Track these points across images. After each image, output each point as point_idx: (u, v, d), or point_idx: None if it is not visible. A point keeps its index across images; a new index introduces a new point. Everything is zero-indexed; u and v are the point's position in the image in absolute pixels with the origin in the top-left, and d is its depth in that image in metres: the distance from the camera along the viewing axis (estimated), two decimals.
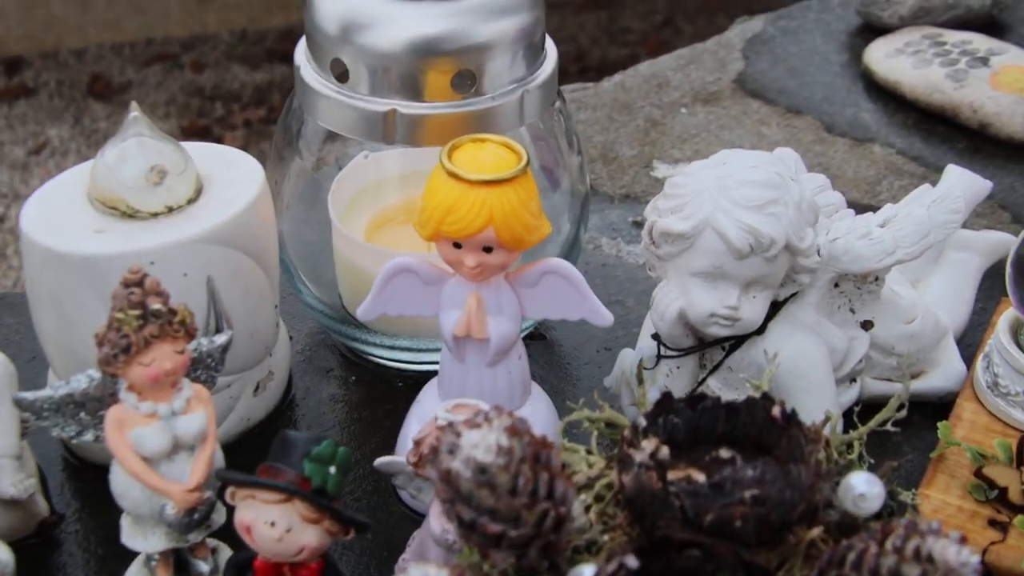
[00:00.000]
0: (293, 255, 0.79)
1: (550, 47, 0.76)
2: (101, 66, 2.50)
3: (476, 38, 0.70)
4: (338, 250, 0.78)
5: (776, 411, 0.54)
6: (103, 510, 0.66)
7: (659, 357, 0.73)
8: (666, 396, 0.55)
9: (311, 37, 0.73)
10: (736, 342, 0.72)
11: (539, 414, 0.70)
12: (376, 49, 0.70)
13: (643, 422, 0.54)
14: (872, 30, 1.16)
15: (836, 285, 0.74)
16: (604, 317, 0.67)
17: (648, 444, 0.52)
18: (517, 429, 0.48)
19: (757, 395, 0.55)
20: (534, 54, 0.74)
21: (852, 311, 0.75)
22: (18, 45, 2.52)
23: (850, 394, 0.76)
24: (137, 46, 2.56)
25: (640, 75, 1.11)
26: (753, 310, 0.70)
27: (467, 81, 0.71)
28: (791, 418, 0.54)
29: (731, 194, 0.67)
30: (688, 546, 0.48)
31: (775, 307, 0.72)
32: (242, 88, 2.42)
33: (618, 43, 2.75)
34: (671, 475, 0.51)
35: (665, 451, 0.51)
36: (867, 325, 0.76)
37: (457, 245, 0.64)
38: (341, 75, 0.72)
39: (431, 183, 0.64)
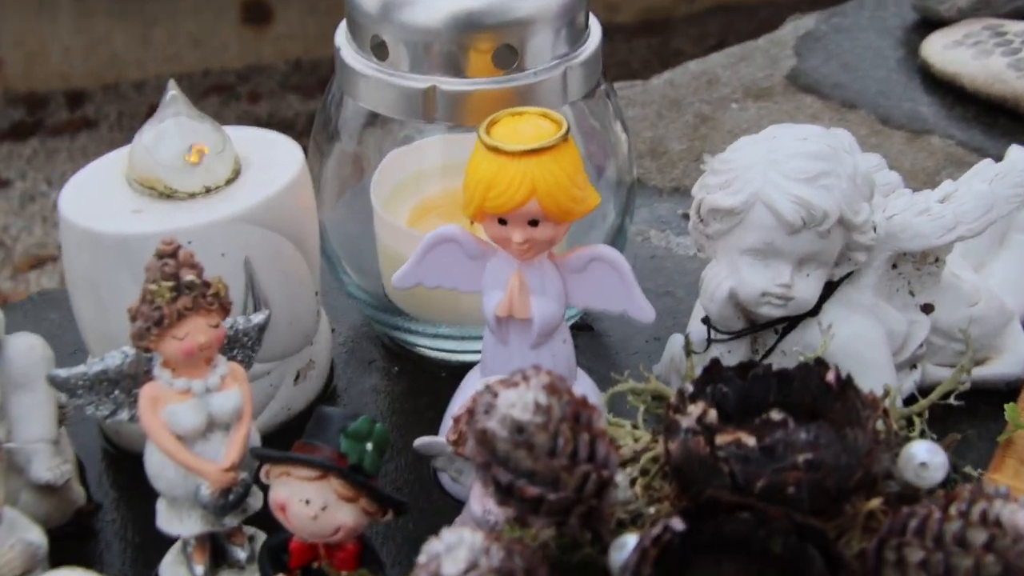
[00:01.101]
0: (336, 245, 0.78)
1: (594, 25, 0.74)
2: (160, 98, 2.53)
3: (517, 12, 0.69)
4: (380, 238, 0.76)
5: (831, 376, 0.51)
6: (141, 499, 0.65)
7: (709, 341, 0.70)
8: (714, 363, 0.53)
9: (350, 17, 0.72)
10: (790, 324, 0.69)
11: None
12: (416, 25, 0.69)
13: (690, 388, 0.51)
14: (929, 24, 1.13)
15: (894, 266, 0.71)
16: (646, 312, 0.64)
17: (695, 408, 0.49)
18: (556, 387, 0.46)
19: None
20: (577, 31, 0.72)
21: (912, 293, 0.72)
22: (81, 80, 2.55)
23: (910, 380, 0.73)
24: (195, 77, 2.59)
25: (689, 72, 1.09)
26: (807, 288, 0.67)
27: (509, 57, 0.69)
28: (847, 383, 0.51)
29: (781, 167, 0.65)
30: (738, 509, 0.45)
31: (830, 288, 0.69)
32: (296, 117, 2.44)
33: (671, 67, 2.74)
34: (719, 440, 0.48)
35: (713, 415, 0.49)
36: (927, 308, 0.73)
37: (503, 222, 0.62)
38: (381, 53, 0.70)
39: (472, 160, 0.62)
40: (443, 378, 0.77)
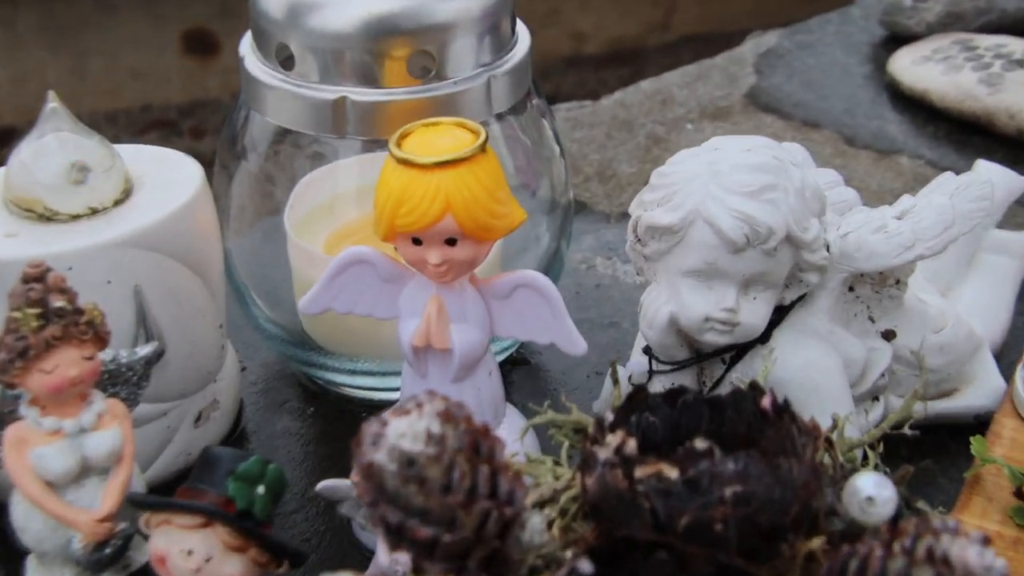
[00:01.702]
0: (245, 274, 0.75)
1: (522, 32, 0.73)
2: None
3: (435, 16, 0.67)
4: (294, 266, 0.74)
5: (766, 402, 0.49)
6: (8, 556, 0.61)
7: (651, 373, 0.68)
8: (639, 390, 0.50)
9: (255, 24, 0.70)
10: (738, 353, 0.67)
11: (514, 438, 0.64)
12: (325, 31, 0.67)
13: (610, 416, 0.49)
14: (897, 40, 1.12)
15: (851, 289, 0.69)
16: (577, 344, 0.62)
17: (614, 439, 0.46)
18: (452, 415, 0.43)
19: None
20: (502, 37, 0.70)
21: (871, 319, 0.70)
22: (10, 116, 2.53)
23: (873, 414, 0.70)
24: (134, 112, 2.57)
25: (642, 92, 1.08)
26: (754, 313, 0.65)
27: (426, 65, 0.67)
28: (784, 409, 0.49)
29: (723, 180, 0.63)
30: (655, 548, 0.42)
31: (781, 313, 0.67)
32: None
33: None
34: (639, 472, 0.45)
35: (632, 445, 0.46)
36: (889, 335, 0.70)
37: (417, 242, 0.60)
38: (288, 63, 0.68)
39: (382, 175, 0.60)
40: (364, 419, 0.73)
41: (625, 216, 0.93)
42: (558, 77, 2.65)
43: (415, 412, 0.43)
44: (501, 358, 0.77)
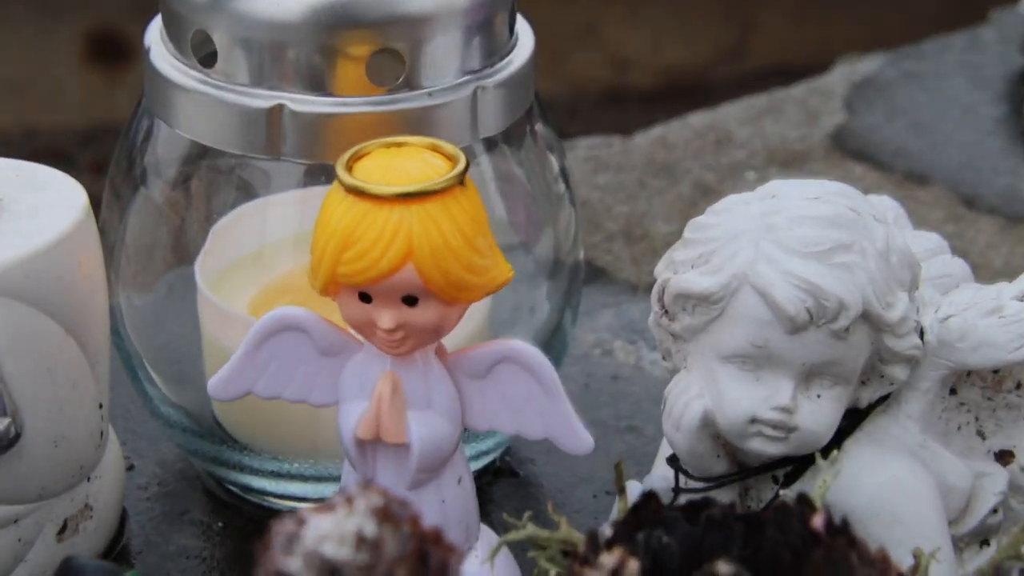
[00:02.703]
0: (138, 339, 0.78)
1: (524, 32, 0.75)
2: None
3: (407, 5, 0.69)
4: (206, 329, 0.76)
5: (819, 521, 0.50)
6: None
7: (677, 491, 0.69)
8: (649, 497, 0.52)
9: (166, 5, 0.73)
10: (794, 469, 0.69)
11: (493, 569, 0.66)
12: (259, 17, 0.69)
13: (608, 532, 0.50)
14: None
15: (953, 391, 0.71)
16: (580, 438, 0.64)
17: (608, 559, 0.48)
18: (392, 514, 0.45)
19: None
20: (496, 37, 0.73)
21: (980, 434, 0.72)
22: None
23: (979, 561, 0.72)
24: (14, 138, 2.61)
25: (690, 128, 1.11)
26: (816, 416, 0.67)
27: (392, 68, 0.70)
28: (841, 530, 0.50)
29: (780, 236, 0.65)
30: None
31: (855, 418, 0.69)
32: None
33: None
34: None
35: (634, 568, 0.48)
36: (1005, 457, 0.72)
37: (366, 298, 0.62)
38: (208, 58, 0.71)
39: (325, 207, 0.63)
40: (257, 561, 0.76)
41: None
42: (591, 115, 2.69)
43: (343, 508, 0.45)
44: (478, 465, 0.79)
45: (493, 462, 0.81)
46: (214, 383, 0.67)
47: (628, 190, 1.04)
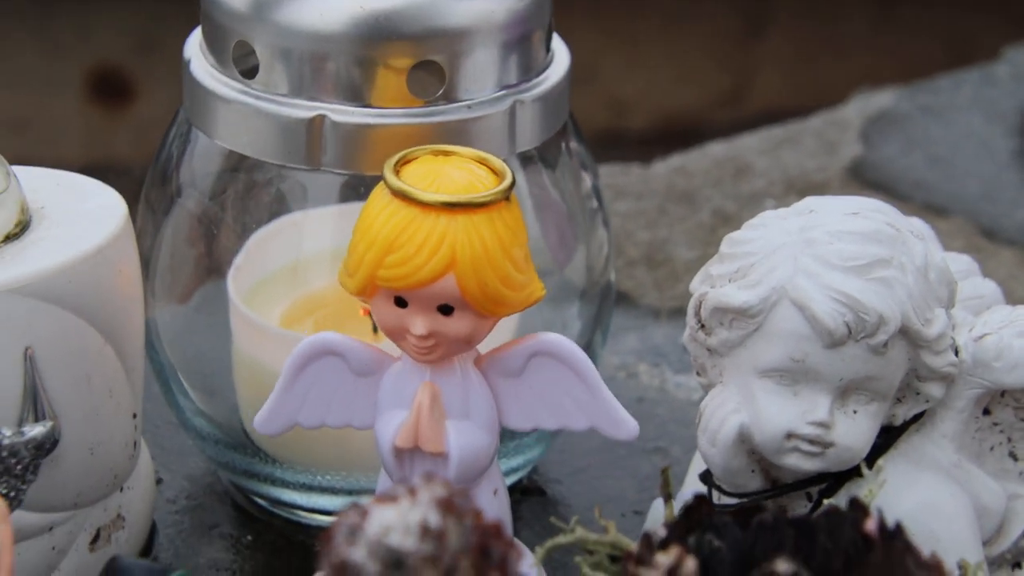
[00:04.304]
0: (172, 352, 0.78)
1: (560, 50, 0.76)
2: None
3: (448, 18, 0.70)
4: (239, 344, 0.76)
5: (871, 525, 0.51)
6: None
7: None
8: (700, 501, 0.52)
9: (208, 16, 0.73)
10: (829, 486, 0.69)
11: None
12: (300, 29, 0.70)
13: (662, 533, 0.50)
14: None
15: (987, 412, 0.71)
16: (624, 423, 0.64)
17: (665, 558, 0.48)
18: (456, 506, 0.45)
19: None
20: (534, 53, 0.73)
21: (1013, 456, 0.72)
22: None
23: None
24: None
25: (709, 158, 1.12)
26: (853, 432, 0.67)
27: (432, 79, 0.70)
28: (896, 535, 0.50)
29: (819, 250, 0.66)
30: None
31: (890, 436, 0.69)
32: None
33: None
34: None
35: (691, 566, 0.48)
36: None
37: (402, 303, 0.62)
38: (249, 70, 0.71)
39: (367, 210, 0.63)
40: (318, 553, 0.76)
41: (679, 313, 0.96)
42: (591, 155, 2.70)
43: (406, 499, 0.45)
44: (507, 482, 0.79)
45: (520, 481, 0.81)
46: (259, 419, 0.67)
47: (648, 216, 1.05)
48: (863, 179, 1.09)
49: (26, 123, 2.63)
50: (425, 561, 0.45)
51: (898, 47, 2.26)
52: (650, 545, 0.50)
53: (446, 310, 0.62)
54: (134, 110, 2.62)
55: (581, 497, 0.80)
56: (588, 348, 0.80)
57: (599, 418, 0.65)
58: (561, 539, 0.57)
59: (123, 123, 2.63)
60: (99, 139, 2.65)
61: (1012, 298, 0.97)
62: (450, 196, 0.61)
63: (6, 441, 0.62)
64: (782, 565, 0.48)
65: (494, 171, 0.64)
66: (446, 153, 0.64)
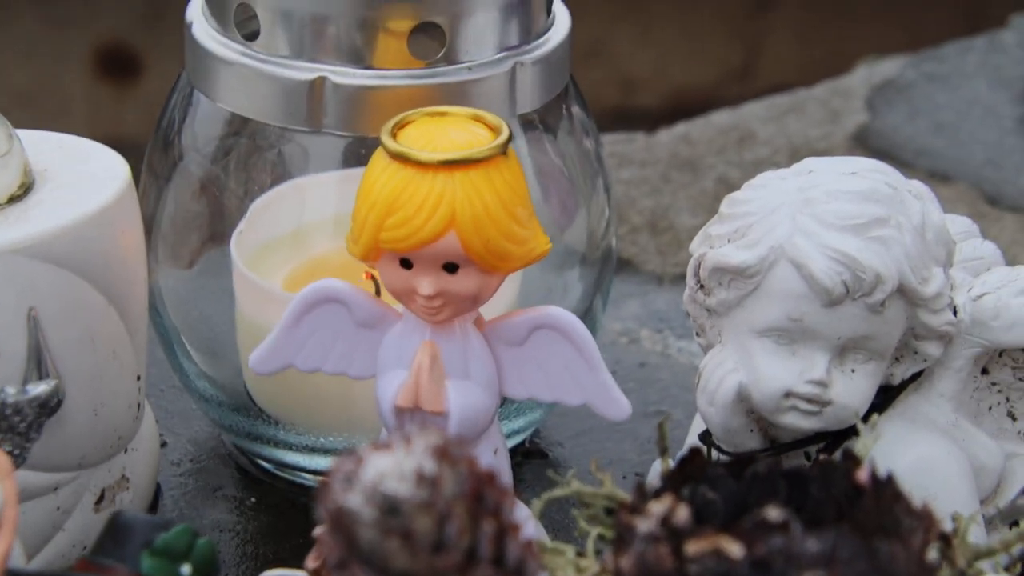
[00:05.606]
0: (175, 315, 0.79)
1: (561, 13, 0.77)
2: None
3: None
4: (243, 307, 0.77)
5: (863, 474, 0.51)
6: None
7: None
8: (694, 453, 0.53)
9: None
10: (827, 445, 0.70)
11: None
12: None
13: (656, 483, 0.51)
14: None
15: (985, 371, 0.72)
16: (617, 403, 0.65)
17: (659, 506, 0.49)
18: (450, 453, 0.46)
19: None
20: (534, 14, 0.74)
21: (1011, 415, 0.73)
22: None
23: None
24: None
25: (713, 126, 1.12)
26: (851, 391, 0.68)
27: (433, 41, 0.71)
28: (887, 485, 0.51)
29: (817, 209, 0.66)
30: None
31: (887, 395, 0.70)
32: None
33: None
34: (692, 548, 0.48)
35: (684, 514, 0.49)
36: None
37: (406, 264, 0.63)
38: (250, 31, 0.72)
39: (368, 174, 0.64)
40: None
41: (682, 279, 0.95)
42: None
43: (402, 447, 0.46)
44: (508, 445, 0.79)
45: (522, 443, 0.82)
46: (255, 357, 0.68)
47: (652, 184, 1.05)
48: (868, 146, 1.10)
49: (35, 98, 2.64)
50: (420, 507, 0.45)
51: (910, 20, 2.26)
52: (644, 495, 0.51)
53: (451, 268, 0.63)
54: (141, 85, 2.63)
55: (583, 460, 0.81)
56: (589, 313, 0.80)
57: (594, 396, 0.65)
58: (558, 491, 0.58)
59: (130, 98, 2.64)
60: (107, 114, 2.66)
61: (1015, 263, 0.97)
62: (446, 154, 0.62)
63: (10, 399, 0.62)
64: (773, 512, 0.48)
65: (491, 128, 0.64)
66: (442, 114, 0.65)
